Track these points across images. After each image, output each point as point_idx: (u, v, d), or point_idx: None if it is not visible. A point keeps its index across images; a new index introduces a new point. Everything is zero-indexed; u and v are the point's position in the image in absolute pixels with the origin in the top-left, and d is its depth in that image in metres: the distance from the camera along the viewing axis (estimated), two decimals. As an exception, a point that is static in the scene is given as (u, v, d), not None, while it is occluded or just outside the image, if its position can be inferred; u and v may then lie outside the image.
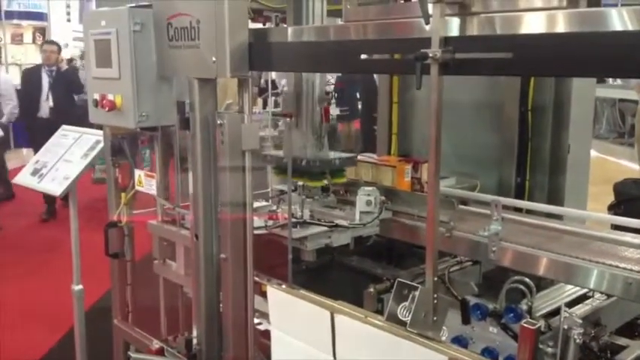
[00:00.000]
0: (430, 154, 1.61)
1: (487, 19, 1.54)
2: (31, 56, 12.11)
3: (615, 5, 1.40)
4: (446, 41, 1.54)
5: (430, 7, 1.54)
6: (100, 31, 2.41)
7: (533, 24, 1.47)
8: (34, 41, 12.21)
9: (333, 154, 2.76)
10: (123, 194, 2.77)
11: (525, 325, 1.59)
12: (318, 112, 2.77)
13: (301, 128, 2.75)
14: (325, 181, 2.66)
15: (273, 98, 6.42)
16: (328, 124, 2.85)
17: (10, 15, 11.79)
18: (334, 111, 7.48)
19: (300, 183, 2.69)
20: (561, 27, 1.43)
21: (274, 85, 8.21)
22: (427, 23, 1.53)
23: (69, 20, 11.98)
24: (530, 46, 1.45)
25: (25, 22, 12.05)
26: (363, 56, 1.80)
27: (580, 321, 2.00)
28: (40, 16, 11.95)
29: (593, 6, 1.49)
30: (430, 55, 1.52)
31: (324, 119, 2.78)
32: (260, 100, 7.86)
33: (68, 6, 12.01)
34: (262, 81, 7.54)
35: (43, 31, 12.09)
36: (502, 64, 1.49)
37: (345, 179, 2.76)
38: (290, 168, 2.31)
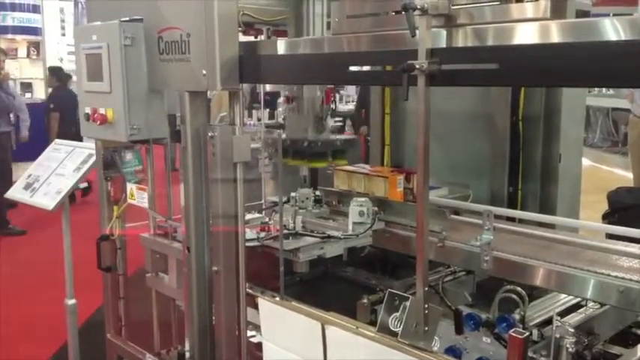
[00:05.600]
0: (419, 164, 1.62)
1: (473, 30, 1.55)
2: (26, 71, 12.11)
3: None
4: (432, 53, 1.55)
5: (417, 20, 1.56)
6: (91, 45, 2.42)
7: (519, 35, 1.49)
8: (28, 56, 12.21)
9: (334, 136, 2.77)
10: (115, 207, 2.77)
11: (514, 334, 1.58)
12: (319, 95, 2.77)
13: (302, 111, 2.76)
14: (327, 163, 2.67)
15: (267, 110, 6.41)
16: (329, 106, 2.85)
17: (4, 30, 11.78)
18: (330, 122, 7.46)
19: (303, 169, 2.69)
20: (547, 38, 1.44)
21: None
22: (413, 36, 1.55)
23: (64, 35, 12.00)
24: (516, 57, 1.47)
25: (19, 37, 12.05)
26: (352, 68, 1.81)
27: (572, 330, 1.99)
28: (34, 31, 11.94)
29: (581, 17, 1.51)
30: (417, 66, 1.53)
31: (326, 101, 2.78)
32: (254, 112, 7.85)
33: (63, 20, 12.04)
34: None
35: (37, 45, 12.09)
36: (488, 75, 1.50)
37: (346, 162, 2.76)
38: (281, 178, 2.31)
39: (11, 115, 7.54)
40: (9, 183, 7.14)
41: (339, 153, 2.72)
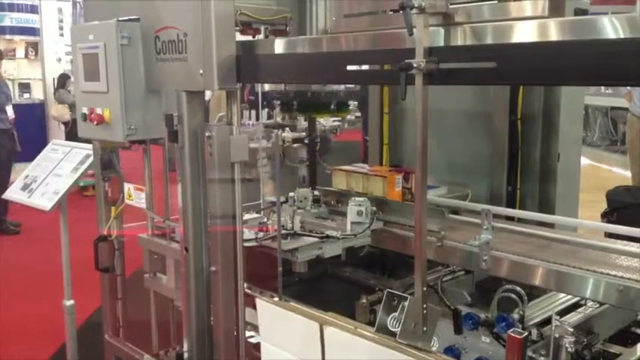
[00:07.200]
0: (417, 164, 1.61)
1: (471, 29, 1.55)
2: (24, 71, 12.09)
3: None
4: (430, 51, 1.55)
5: (414, 18, 1.55)
6: (88, 45, 2.41)
7: (516, 33, 1.48)
8: (26, 56, 12.18)
9: (337, 87, 2.76)
10: (113, 208, 2.76)
11: (512, 334, 1.58)
12: None
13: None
14: (330, 114, 2.66)
15: (266, 110, 6.40)
16: None
17: (2, 30, 11.76)
18: (328, 122, 7.44)
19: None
20: (545, 36, 1.44)
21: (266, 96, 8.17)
22: (410, 34, 1.54)
23: (62, 35, 11.96)
24: (514, 56, 1.46)
25: (17, 37, 12.02)
26: (350, 67, 1.80)
27: (571, 329, 1.99)
28: (32, 31, 11.91)
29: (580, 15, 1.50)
30: (414, 65, 1.52)
31: None
32: (253, 112, 7.83)
33: (61, 21, 12.00)
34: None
35: (35, 46, 12.06)
36: (486, 74, 1.50)
37: (349, 113, 2.73)
38: (279, 178, 2.30)
39: (10, 113, 7.39)
40: (7, 183, 7.11)
41: (343, 105, 2.70)
